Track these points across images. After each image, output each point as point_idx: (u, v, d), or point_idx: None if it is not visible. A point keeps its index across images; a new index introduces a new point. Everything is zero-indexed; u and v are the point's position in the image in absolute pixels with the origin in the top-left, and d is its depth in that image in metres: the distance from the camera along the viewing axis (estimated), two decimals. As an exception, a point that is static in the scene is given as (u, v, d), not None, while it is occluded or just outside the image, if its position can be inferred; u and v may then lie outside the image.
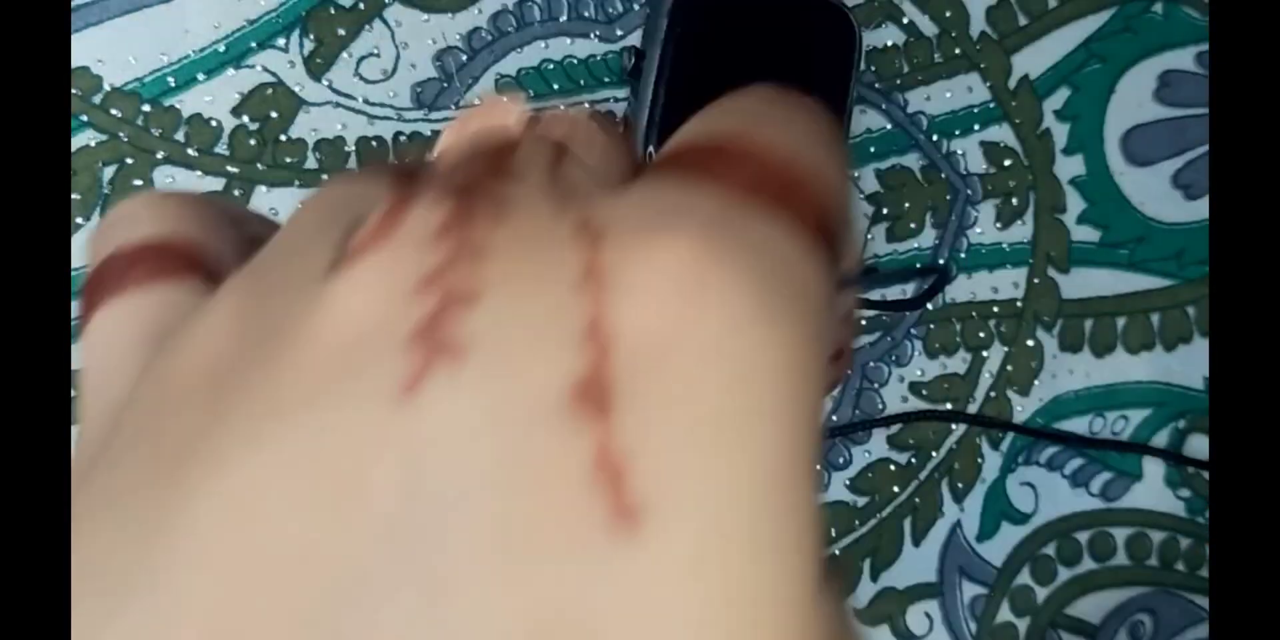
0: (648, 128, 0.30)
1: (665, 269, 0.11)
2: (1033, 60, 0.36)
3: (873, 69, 0.35)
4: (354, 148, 0.31)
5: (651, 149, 0.30)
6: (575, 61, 0.32)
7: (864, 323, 0.34)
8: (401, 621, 0.08)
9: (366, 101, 0.31)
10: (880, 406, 0.34)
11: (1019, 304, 0.35)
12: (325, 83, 0.31)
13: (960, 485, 0.35)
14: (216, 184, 0.30)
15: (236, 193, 0.30)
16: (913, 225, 0.35)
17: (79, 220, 0.29)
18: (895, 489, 0.34)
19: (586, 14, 0.33)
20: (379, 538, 0.09)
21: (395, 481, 0.09)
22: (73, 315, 0.31)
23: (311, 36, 0.31)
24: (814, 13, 0.32)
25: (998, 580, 0.35)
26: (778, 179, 0.13)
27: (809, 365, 0.11)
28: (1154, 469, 0.36)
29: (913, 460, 0.34)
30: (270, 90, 0.30)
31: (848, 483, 0.34)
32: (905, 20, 0.35)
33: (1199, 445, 0.37)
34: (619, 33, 0.33)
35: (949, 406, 0.35)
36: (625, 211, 0.12)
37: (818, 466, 0.11)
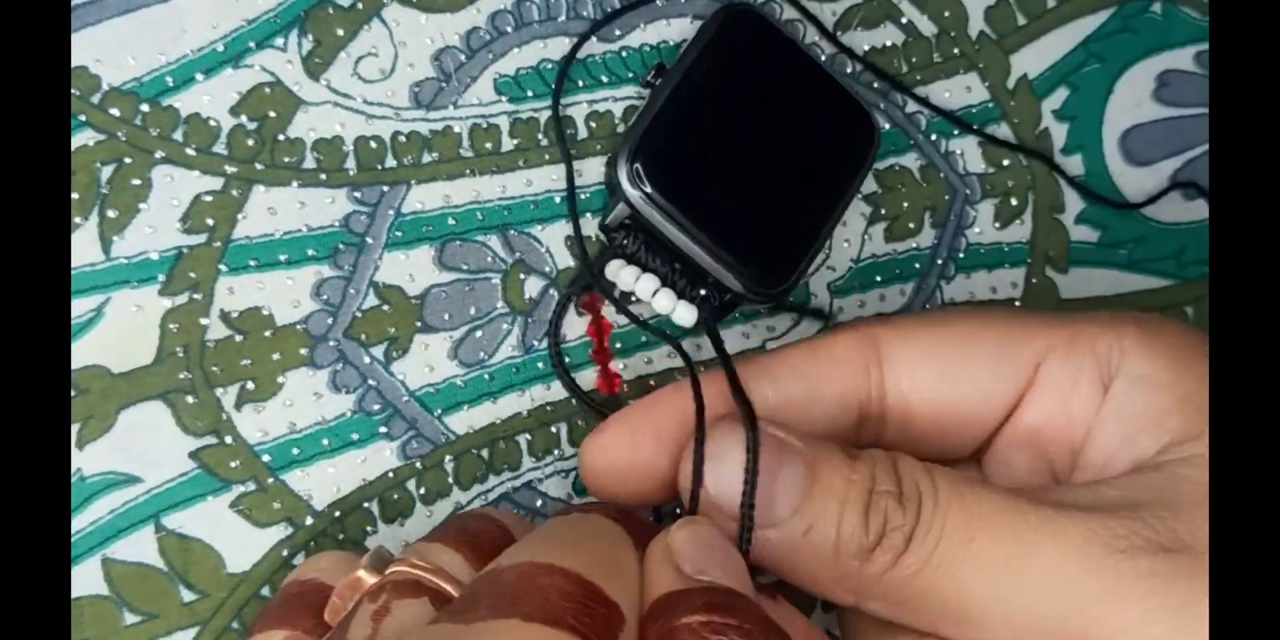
0: (636, 145, 0.30)
1: None
2: (1031, 60, 0.36)
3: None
4: (352, 147, 0.31)
5: (638, 165, 0.29)
6: (574, 61, 0.32)
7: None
8: None
9: (365, 101, 0.31)
10: (879, 406, 0.34)
11: (1017, 304, 0.35)
12: (323, 82, 0.31)
13: (959, 485, 0.34)
14: (215, 183, 0.30)
15: (234, 192, 0.30)
16: (911, 225, 0.35)
17: (77, 219, 0.29)
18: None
19: (585, 14, 0.33)
20: None
21: None
22: (71, 314, 0.31)
23: (310, 36, 0.31)
24: (842, 102, 0.32)
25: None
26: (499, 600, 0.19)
27: None
28: (1153, 469, 0.36)
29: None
30: (268, 90, 0.30)
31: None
32: (904, 20, 0.35)
33: (1198, 445, 0.37)
34: (617, 32, 0.33)
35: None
36: None
37: None
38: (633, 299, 0.31)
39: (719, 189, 0.30)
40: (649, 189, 0.29)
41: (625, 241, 0.31)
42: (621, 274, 0.31)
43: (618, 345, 0.32)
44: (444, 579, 0.22)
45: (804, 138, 0.32)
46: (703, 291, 0.31)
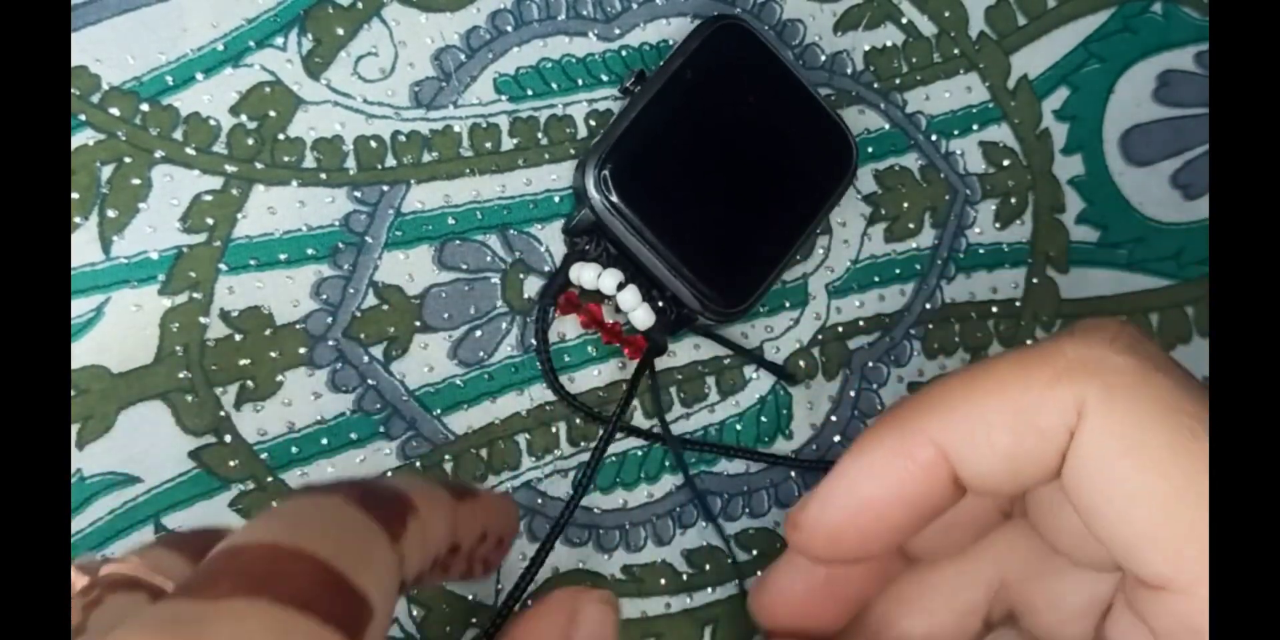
0: (606, 153, 0.30)
1: None
2: (1032, 60, 0.36)
3: (872, 69, 0.35)
4: (352, 147, 0.31)
5: (605, 172, 0.29)
6: (574, 60, 0.32)
7: (862, 323, 0.34)
8: None
9: (365, 100, 0.31)
10: (879, 407, 0.34)
11: (1018, 304, 0.35)
12: (323, 81, 0.31)
13: (958, 485, 0.34)
14: (214, 183, 0.30)
15: (234, 192, 0.30)
16: (911, 225, 0.35)
17: (77, 219, 0.29)
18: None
19: (585, 13, 0.33)
20: None
21: None
22: (71, 314, 0.30)
23: (310, 35, 0.31)
24: (824, 124, 0.32)
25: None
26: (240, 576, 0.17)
27: None
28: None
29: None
30: (268, 89, 0.30)
31: (846, 483, 0.34)
32: (904, 20, 0.35)
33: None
34: (617, 31, 0.33)
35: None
36: None
37: None
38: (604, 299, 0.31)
39: (686, 203, 0.30)
40: (614, 198, 0.29)
41: (588, 247, 0.31)
42: (584, 274, 0.31)
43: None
44: (164, 575, 0.20)
45: (780, 158, 0.32)
46: (660, 303, 0.31)
